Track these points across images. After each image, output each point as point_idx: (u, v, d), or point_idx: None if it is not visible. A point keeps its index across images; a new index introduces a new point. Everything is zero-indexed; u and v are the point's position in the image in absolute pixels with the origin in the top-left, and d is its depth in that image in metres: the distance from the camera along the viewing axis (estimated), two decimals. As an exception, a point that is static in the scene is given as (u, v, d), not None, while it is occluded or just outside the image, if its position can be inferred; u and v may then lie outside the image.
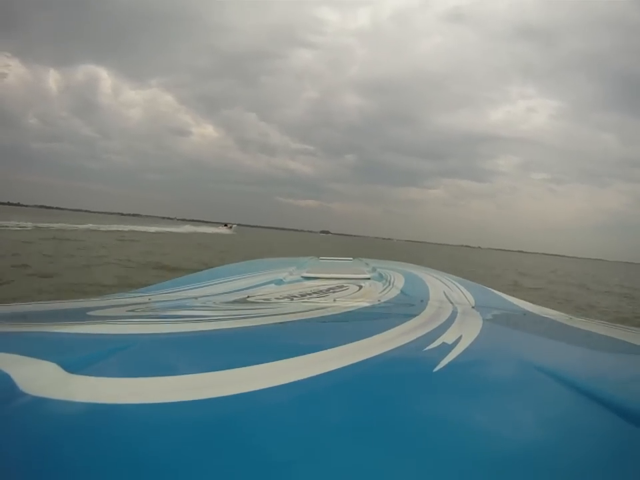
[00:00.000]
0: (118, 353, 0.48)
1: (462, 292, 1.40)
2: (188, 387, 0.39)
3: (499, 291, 1.55)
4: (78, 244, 10.35)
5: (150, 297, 1.13)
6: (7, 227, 14.15)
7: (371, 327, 0.75)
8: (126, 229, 21.25)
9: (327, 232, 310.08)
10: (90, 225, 20.10)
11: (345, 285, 1.39)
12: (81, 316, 0.83)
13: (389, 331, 0.62)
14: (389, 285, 1.44)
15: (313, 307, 0.90)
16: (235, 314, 0.86)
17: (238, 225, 55.08)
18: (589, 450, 0.34)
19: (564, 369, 0.50)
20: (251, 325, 0.72)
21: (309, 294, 1.19)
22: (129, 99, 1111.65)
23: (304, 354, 0.49)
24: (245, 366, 0.45)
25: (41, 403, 0.35)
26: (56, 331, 0.61)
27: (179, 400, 0.37)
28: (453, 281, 1.64)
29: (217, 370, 0.44)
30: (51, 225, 17.01)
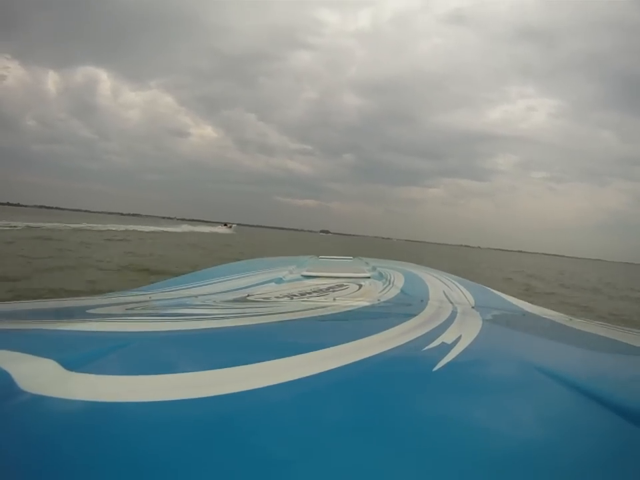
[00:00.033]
0: (117, 351, 0.48)
1: (462, 292, 1.39)
2: (187, 385, 0.39)
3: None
4: (61, 244, 9.85)
5: (150, 296, 1.13)
6: None
7: (370, 326, 0.75)
8: (120, 229, 20.84)
9: (327, 231, 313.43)
10: (83, 225, 19.94)
11: (344, 284, 1.37)
12: (80, 314, 0.83)
13: (389, 330, 0.62)
14: (389, 284, 1.43)
15: (312, 305, 0.91)
16: (235, 312, 0.88)
17: (238, 224, 54.57)
18: (588, 450, 0.34)
19: (563, 369, 0.50)
20: (250, 323, 0.72)
21: (309, 293, 1.19)
22: (129, 100, 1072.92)
23: (304, 352, 0.48)
24: (245, 364, 0.44)
25: (40, 400, 0.35)
26: (55, 328, 0.61)
27: (178, 398, 0.37)
28: (453, 281, 1.63)
29: (217, 368, 0.44)
30: (43, 224, 16.69)
